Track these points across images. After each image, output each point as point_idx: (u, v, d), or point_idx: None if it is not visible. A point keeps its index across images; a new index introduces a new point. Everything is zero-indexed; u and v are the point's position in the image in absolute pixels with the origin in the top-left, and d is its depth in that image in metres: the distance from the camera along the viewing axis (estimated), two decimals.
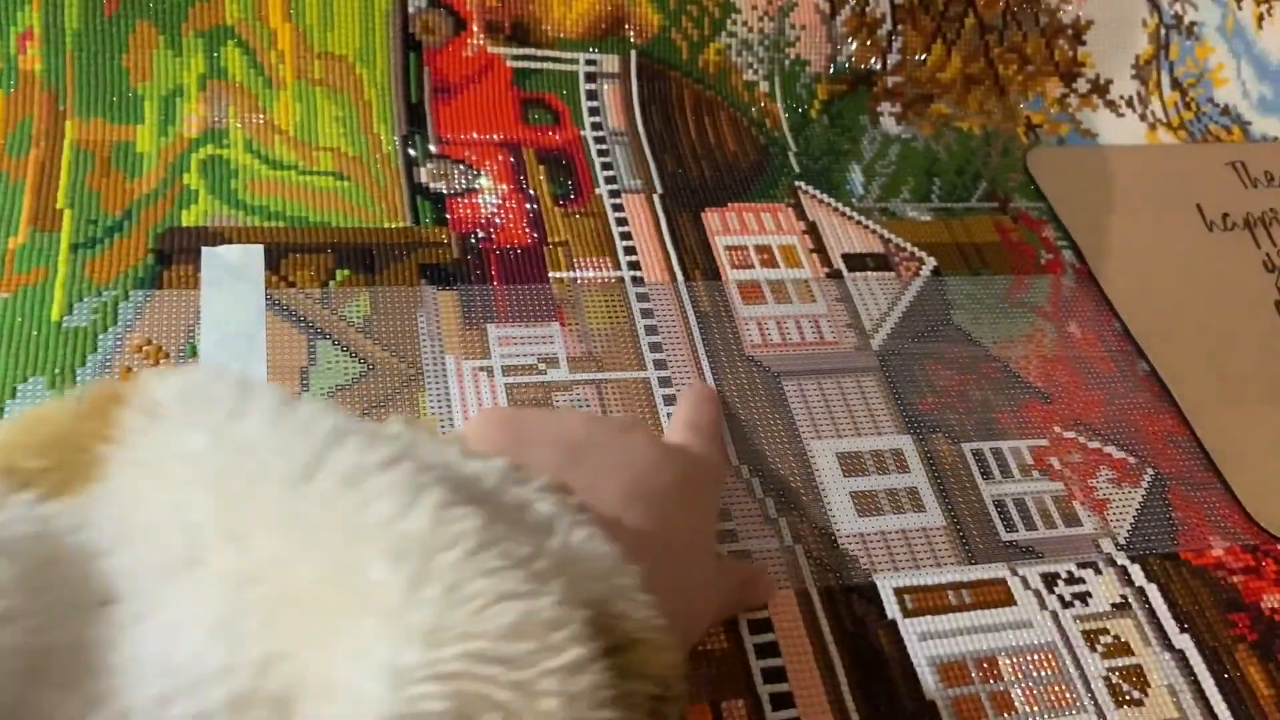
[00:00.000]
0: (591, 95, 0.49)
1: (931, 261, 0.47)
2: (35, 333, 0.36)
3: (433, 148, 0.45)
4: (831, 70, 0.52)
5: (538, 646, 0.18)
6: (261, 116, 0.44)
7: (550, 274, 0.43)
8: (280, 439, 0.20)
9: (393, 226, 0.43)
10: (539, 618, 0.18)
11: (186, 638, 0.18)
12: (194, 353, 0.37)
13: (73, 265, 0.38)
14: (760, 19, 0.51)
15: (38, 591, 0.18)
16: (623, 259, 0.44)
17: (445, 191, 0.44)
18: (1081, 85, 0.57)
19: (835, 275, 0.46)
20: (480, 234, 0.43)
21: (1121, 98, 0.57)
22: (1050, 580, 0.38)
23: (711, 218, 0.46)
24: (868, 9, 0.52)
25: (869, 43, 0.53)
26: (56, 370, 0.36)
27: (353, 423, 0.21)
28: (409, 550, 0.18)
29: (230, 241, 0.40)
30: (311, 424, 0.20)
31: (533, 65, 0.48)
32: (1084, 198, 0.52)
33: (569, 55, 0.49)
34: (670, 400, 0.40)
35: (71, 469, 0.20)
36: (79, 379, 0.36)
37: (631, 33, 0.50)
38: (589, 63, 0.49)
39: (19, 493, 0.19)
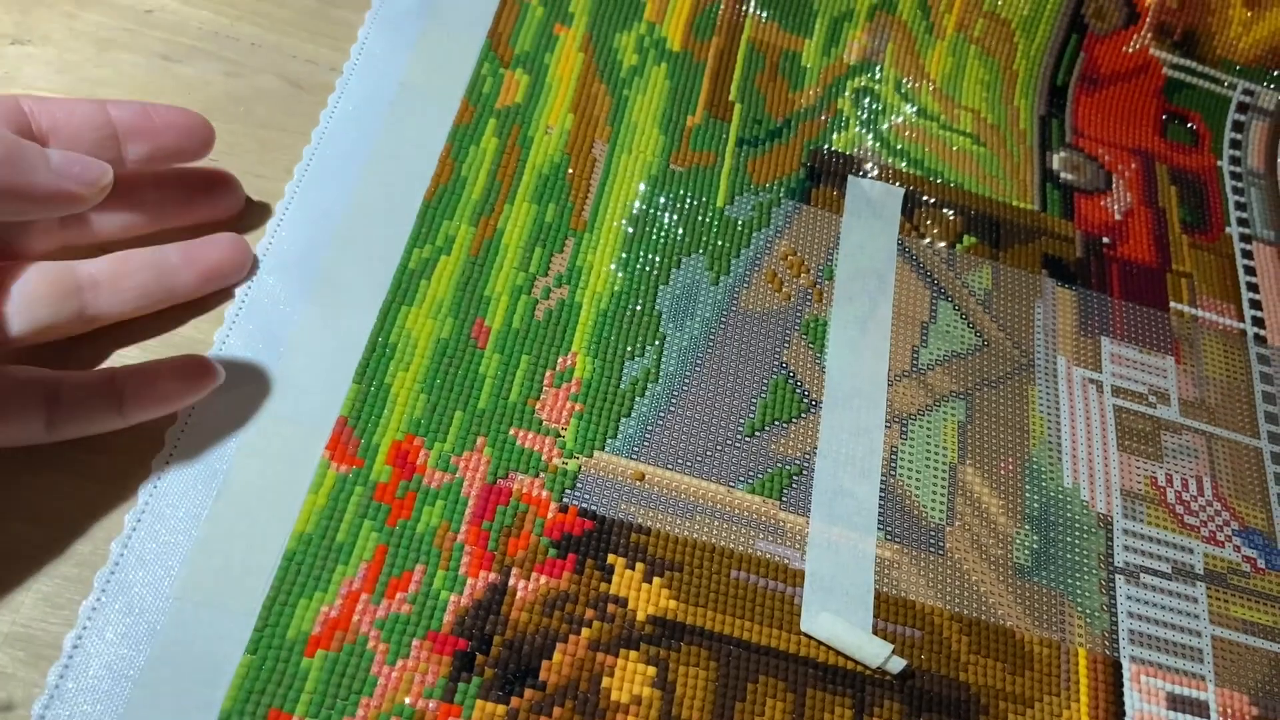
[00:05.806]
0: (1237, 127, 0.45)
1: None
2: (701, 216, 0.38)
3: (1067, 136, 0.44)
4: None
5: None
6: (915, 60, 0.44)
7: (1171, 303, 0.40)
8: None
9: (1020, 206, 0.41)
10: None
11: None
12: (830, 276, 0.38)
13: (737, 158, 0.39)
14: None
15: None
16: (1246, 311, 0.41)
17: (1076, 184, 0.42)
18: None
19: None
20: (1105, 239, 0.41)
21: None
22: None
23: None
24: None
25: None
26: (715, 255, 0.37)
27: None
28: None
29: (871, 177, 0.40)
30: None
31: (1188, 79, 0.45)
32: None
33: (1228, 79, 0.45)
34: None
35: None
36: (732, 269, 0.37)
37: None
38: (1246, 93, 0.45)
39: None
